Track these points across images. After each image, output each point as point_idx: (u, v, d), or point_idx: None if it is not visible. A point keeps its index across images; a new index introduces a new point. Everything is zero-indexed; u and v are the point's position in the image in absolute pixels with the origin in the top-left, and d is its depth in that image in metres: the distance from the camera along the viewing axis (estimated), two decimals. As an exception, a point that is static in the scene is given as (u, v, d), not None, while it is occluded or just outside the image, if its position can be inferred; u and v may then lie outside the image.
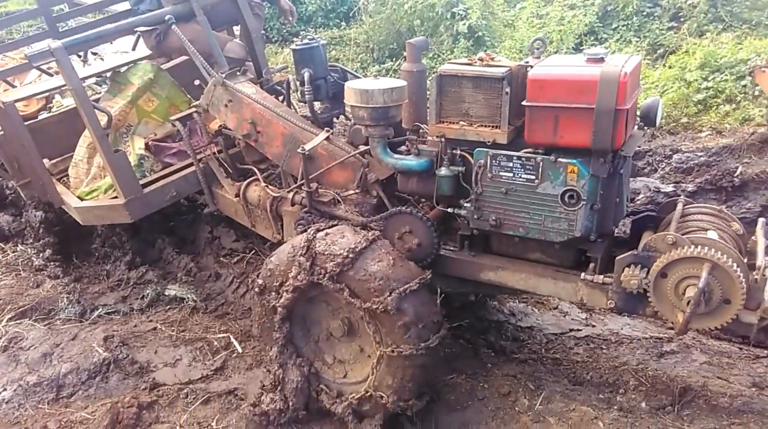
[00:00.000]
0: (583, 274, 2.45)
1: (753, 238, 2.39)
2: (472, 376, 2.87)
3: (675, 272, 2.17)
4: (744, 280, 2.08)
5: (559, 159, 2.36)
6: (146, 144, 4.09)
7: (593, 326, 3.22)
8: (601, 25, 8.13)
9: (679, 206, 2.52)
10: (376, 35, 9.23)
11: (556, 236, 2.45)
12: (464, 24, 8.35)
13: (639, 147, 5.80)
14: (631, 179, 5.04)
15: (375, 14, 9.41)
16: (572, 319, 3.32)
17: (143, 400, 2.90)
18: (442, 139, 2.67)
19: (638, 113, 2.62)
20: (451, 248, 2.88)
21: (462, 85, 2.57)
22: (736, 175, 4.81)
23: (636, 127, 2.64)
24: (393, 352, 2.49)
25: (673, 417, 2.49)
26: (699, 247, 2.12)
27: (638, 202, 4.47)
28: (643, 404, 2.57)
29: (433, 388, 2.75)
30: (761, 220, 2.44)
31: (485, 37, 8.48)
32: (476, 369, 2.92)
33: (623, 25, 7.99)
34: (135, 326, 3.59)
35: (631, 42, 7.62)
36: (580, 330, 3.19)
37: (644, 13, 8.14)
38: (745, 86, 5.94)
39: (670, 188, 4.73)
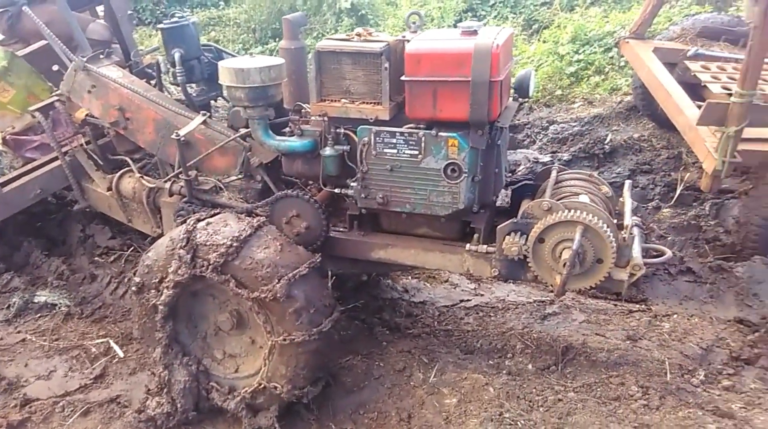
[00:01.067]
0: (468, 245, 2.50)
1: (621, 199, 2.54)
2: (367, 357, 2.87)
3: (551, 237, 2.26)
4: (614, 239, 2.21)
5: (440, 133, 2.38)
6: (3, 138, 3.71)
7: (482, 295, 3.33)
8: (479, 2, 8.36)
9: (553, 173, 2.64)
10: (258, 15, 8.93)
11: (441, 210, 2.48)
12: (347, 1, 8.28)
13: (518, 119, 6.06)
14: (512, 151, 5.24)
15: (255, -8, 9.11)
16: (462, 291, 3.41)
17: (13, 418, 2.63)
18: (325, 118, 2.60)
19: (512, 85, 2.69)
20: (341, 229, 2.85)
21: (341, 61, 2.52)
22: (606, 142, 5.12)
23: (511, 98, 2.71)
24: (285, 340, 2.41)
25: (558, 375, 2.63)
26: (572, 211, 2.22)
27: (519, 173, 4.64)
28: (530, 366, 2.69)
29: (329, 372, 2.71)
30: (627, 182, 2.61)
31: (368, 15, 8.46)
32: (372, 348, 2.92)
33: (500, 2, 8.26)
34: (1, 339, 3.26)
35: (508, 18, 7.89)
36: (470, 300, 3.28)
37: (520, -10, 8.46)
38: (612, 58, 6.34)
39: (547, 158, 4.95)
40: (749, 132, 3.71)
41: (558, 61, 6.46)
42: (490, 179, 2.54)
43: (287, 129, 2.86)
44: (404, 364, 2.78)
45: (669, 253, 2.39)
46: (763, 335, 2.95)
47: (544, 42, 6.91)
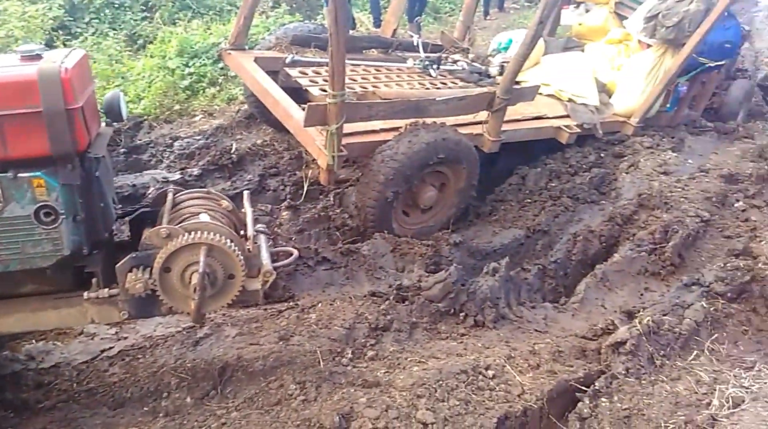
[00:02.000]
0: (86, 293, 2.21)
1: (243, 210, 2.56)
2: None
3: (177, 263, 2.14)
4: (240, 252, 2.20)
5: (20, 174, 2.01)
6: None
7: (125, 338, 3.02)
8: (72, 19, 7.58)
9: (170, 196, 2.51)
10: None
11: (43, 261, 2.12)
12: None
13: (139, 140, 5.72)
14: (138, 174, 4.92)
15: None
16: (102, 339, 3.03)
17: None
18: None
19: (101, 109, 2.45)
20: None
21: None
22: (232, 152, 5.19)
23: (103, 124, 2.47)
24: None
25: (218, 399, 2.55)
26: (193, 233, 2.13)
27: (149, 197, 4.37)
28: (188, 399, 2.55)
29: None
30: (245, 192, 2.64)
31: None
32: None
33: (95, 18, 7.63)
34: None
35: (109, 35, 7.35)
36: (112, 347, 2.94)
37: (115, 5, 7.96)
38: (223, 69, 6.45)
39: (177, 176, 4.79)
40: (350, 127, 4.20)
41: (170, 76, 6.30)
42: (96, 216, 2.27)
43: None
44: (38, 449, 2.34)
45: (295, 252, 2.51)
46: (392, 302, 3.36)
47: (152, 57, 6.65)
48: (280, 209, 4.68)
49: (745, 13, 14.09)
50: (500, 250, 4.30)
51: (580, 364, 3.06)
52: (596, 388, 2.77)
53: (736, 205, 4.75)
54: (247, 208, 2.53)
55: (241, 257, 2.19)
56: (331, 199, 4.85)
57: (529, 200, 4.84)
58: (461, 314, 3.39)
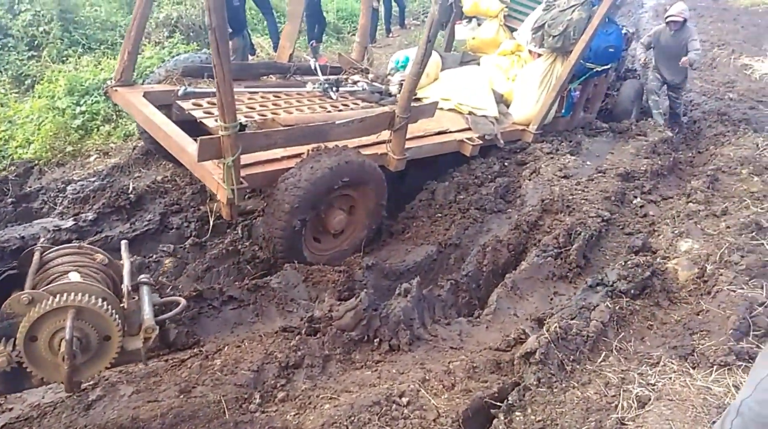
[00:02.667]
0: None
1: (121, 262, 2.39)
2: None
3: (43, 331, 1.95)
4: (114, 311, 2.04)
5: None
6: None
7: (10, 410, 2.75)
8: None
9: (36, 256, 2.30)
10: None
11: None
12: None
13: (29, 187, 5.36)
14: (28, 224, 4.58)
15: None
16: (-15, 415, 2.76)
17: None
18: None
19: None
20: None
21: None
22: (130, 192, 4.94)
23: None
24: None
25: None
26: (58, 296, 1.95)
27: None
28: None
29: None
30: (123, 243, 2.47)
31: None
32: None
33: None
34: None
35: (-7, 76, 6.92)
36: (-2, 422, 2.68)
37: (-2, 45, 7.50)
38: (116, 105, 6.16)
39: (70, 223, 4.49)
40: (250, 157, 4.08)
41: (60, 116, 5.97)
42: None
43: None
44: None
45: (183, 301, 2.36)
46: (303, 337, 3.25)
47: (40, 97, 6.28)
48: (197, 245, 4.49)
49: (632, 15, 15.02)
50: (413, 269, 4.28)
51: (494, 378, 3.05)
52: (509, 402, 2.76)
53: (634, 201, 4.96)
54: (125, 260, 2.36)
55: (116, 316, 2.02)
56: (239, 231, 4.70)
57: (439, 215, 4.86)
58: (375, 340, 3.32)
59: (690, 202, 4.71)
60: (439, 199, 5.00)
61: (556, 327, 3.11)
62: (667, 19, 6.73)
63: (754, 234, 3.89)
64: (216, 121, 4.42)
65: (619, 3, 7.07)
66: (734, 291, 3.27)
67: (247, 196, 4.62)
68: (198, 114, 4.52)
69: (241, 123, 4.48)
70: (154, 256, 4.34)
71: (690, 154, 6.41)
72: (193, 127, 4.44)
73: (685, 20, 6.66)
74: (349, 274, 4.01)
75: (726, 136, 6.56)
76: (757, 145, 5.76)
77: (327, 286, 3.93)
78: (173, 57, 5.62)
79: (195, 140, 4.08)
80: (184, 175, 5.26)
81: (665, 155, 5.92)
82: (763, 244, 3.75)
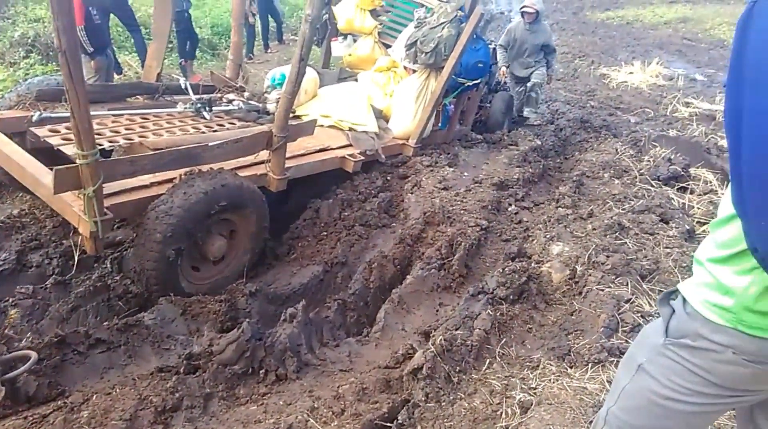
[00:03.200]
0: None
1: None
2: None
3: None
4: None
5: None
6: None
7: None
8: None
9: None
10: None
11: None
12: None
13: None
14: None
15: None
16: None
17: None
18: None
19: None
20: None
21: None
22: (-21, 229, 4.44)
23: None
24: None
25: None
26: None
27: None
28: None
29: None
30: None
31: None
32: None
33: None
34: None
35: None
36: None
37: None
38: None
39: None
40: (117, 184, 3.81)
41: None
42: None
43: None
44: None
45: (34, 355, 2.12)
46: (182, 376, 3.05)
47: None
48: (61, 283, 4.10)
49: (501, 30, 15.90)
50: (300, 291, 4.19)
51: (384, 398, 3.02)
52: (399, 422, 2.74)
53: (509, 209, 5.18)
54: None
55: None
56: (108, 265, 4.37)
57: (324, 233, 4.81)
58: (261, 372, 3.18)
59: (559, 206, 4.99)
60: (323, 217, 4.94)
61: (441, 339, 3.14)
62: (522, 9, 7.12)
63: (617, 234, 4.18)
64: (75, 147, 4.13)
65: (488, 18, 7.43)
66: (602, 290, 3.49)
67: (115, 227, 4.31)
68: (55, 141, 4.16)
69: (103, 148, 4.19)
70: (11, 300, 3.92)
71: (558, 161, 6.82)
72: (51, 155, 4.09)
73: (538, 12, 7.06)
74: (232, 302, 3.84)
75: (589, 142, 7.07)
76: (617, 150, 6.24)
77: (207, 318, 3.74)
78: (29, 79, 5.16)
79: (51, 169, 3.77)
80: (44, 207, 4.81)
81: (535, 163, 6.25)
82: (626, 243, 4.03)
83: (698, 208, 4.91)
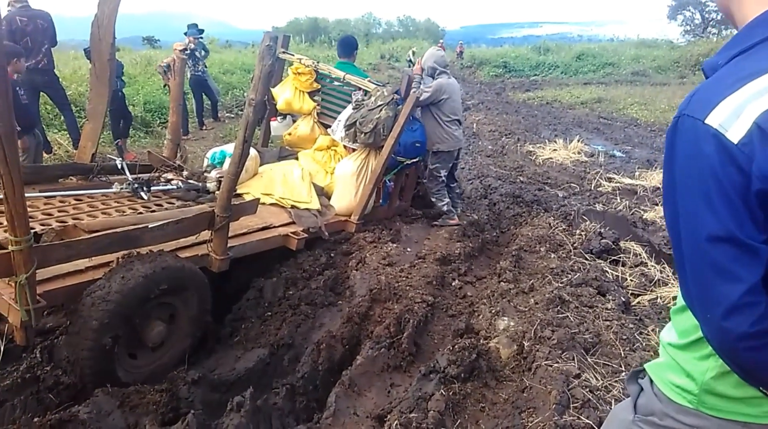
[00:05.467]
0: None
1: None
2: None
3: None
4: None
5: None
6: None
7: None
8: None
9: None
10: None
11: None
12: None
13: None
14: None
15: None
16: None
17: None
18: None
19: None
20: None
21: None
22: None
23: None
24: None
25: None
26: None
27: None
28: None
29: None
30: None
31: None
32: None
33: None
34: None
35: None
36: None
37: None
38: None
39: None
40: (50, 270, 3.61)
41: None
42: None
43: None
44: None
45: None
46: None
47: None
48: None
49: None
50: (245, 376, 4.02)
51: (341, 490, 2.90)
52: None
53: (453, 284, 5.25)
54: None
55: None
56: (38, 355, 4.07)
57: (269, 313, 4.69)
58: (208, 468, 3.00)
59: (501, 281, 5.10)
60: (267, 296, 4.83)
61: (396, 424, 3.08)
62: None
63: (558, 308, 4.29)
64: (5, 231, 3.91)
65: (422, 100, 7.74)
66: (551, 365, 3.54)
67: (45, 313, 4.06)
68: (-20, 225, 3.94)
69: (36, 233, 4.00)
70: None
71: (495, 234, 7.03)
72: (-24, 239, 3.84)
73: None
74: (173, 392, 3.63)
75: (522, 217, 7.34)
76: (550, 225, 6.51)
77: (147, 410, 3.50)
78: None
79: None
80: (-37, 295, 4.48)
81: (474, 237, 6.42)
82: (568, 316, 4.15)
83: (631, 280, 5.13)
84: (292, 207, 5.57)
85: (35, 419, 3.34)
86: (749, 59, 1.22)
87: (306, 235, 5.26)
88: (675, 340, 1.49)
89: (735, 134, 1.13)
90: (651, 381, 1.56)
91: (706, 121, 1.17)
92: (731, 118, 1.14)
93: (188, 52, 10.93)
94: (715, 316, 1.21)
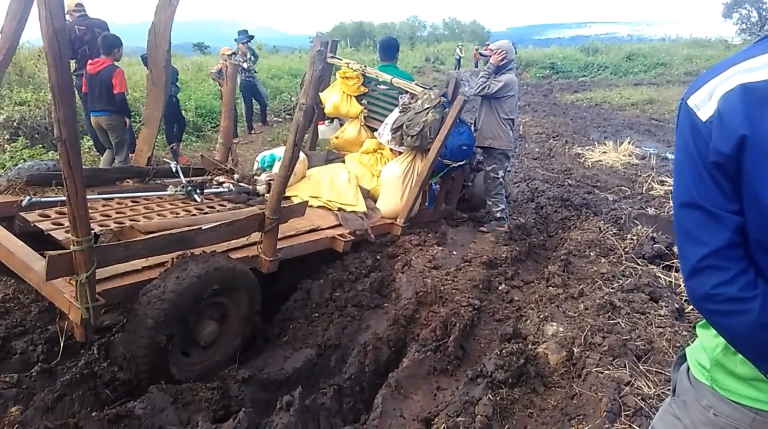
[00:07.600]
0: None
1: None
2: None
3: None
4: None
5: None
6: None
7: None
8: None
9: None
10: None
11: None
12: None
13: None
14: None
15: None
16: None
17: None
18: None
19: None
20: None
21: None
22: (-41, 316, 4.30)
23: None
24: None
25: None
26: None
27: None
28: None
29: None
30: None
31: None
32: None
33: None
34: None
35: None
36: None
37: None
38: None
39: None
40: (108, 269, 3.76)
41: None
42: None
43: None
44: None
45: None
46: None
47: None
48: (48, 372, 3.93)
49: (475, 110, 16.54)
50: (293, 376, 4.08)
51: (388, 491, 2.91)
52: None
53: (499, 288, 5.20)
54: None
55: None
56: (95, 351, 4.23)
57: (316, 314, 4.75)
58: (258, 465, 3.06)
59: (549, 285, 5.03)
60: (314, 297, 4.90)
61: (444, 427, 3.07)
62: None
63: (609, 314, 4.21)
64: (66, 232, 4.09)
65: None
66: (602, 372, 3.47)
67: (102, 311, 4.22)
68: (45, 226, 4.14)
69: (95, 233, 4.16)
70: (15, 379, 3.75)
71: (542, 238, 6.93)
72: (38, 239, 4.04)
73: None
74: (224, 390, 3.73)
75: (571, 220, 7.21)
76: (600, 229, 6.38)
77: (199, 407, 3.60)
78: (18, 164, 5.17)
79: (41, 254, 3.72)
80: (29, 291, 4.72)
81: (521, 241, 6.35)
82: (619, 322, 4.06)
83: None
84: (339, 209, 5.63)
85: (93, 414, 3.49)
86: (749, 49, 1.32)
87: (352, 238, 5.31)
88: (701, 319, 1.57)
89: (704, 113, 1.28)
90: (687, 366, 1.61)
91: (688, 102, 1.33)
92: (705, 100, 1.29)
93: (238, 57, 11.19)
94: (684, 276, 1.37)
